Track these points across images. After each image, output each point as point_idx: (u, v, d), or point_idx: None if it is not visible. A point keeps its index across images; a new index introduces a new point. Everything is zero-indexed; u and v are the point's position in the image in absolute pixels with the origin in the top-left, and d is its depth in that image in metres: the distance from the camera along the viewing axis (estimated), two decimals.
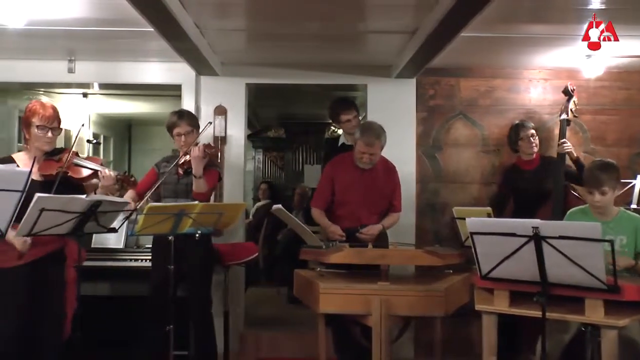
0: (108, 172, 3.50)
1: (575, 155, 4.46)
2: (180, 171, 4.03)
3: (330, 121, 9.53)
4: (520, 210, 4.30)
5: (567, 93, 4.58)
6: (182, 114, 4.14)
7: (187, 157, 3.97)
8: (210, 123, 4.52)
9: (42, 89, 6.46)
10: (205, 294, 4.11)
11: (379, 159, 4.20)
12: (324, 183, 4.31)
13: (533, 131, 4.51)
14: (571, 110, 4.55)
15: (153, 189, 3.92)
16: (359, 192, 4.18)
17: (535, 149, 4.51)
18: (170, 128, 4.11)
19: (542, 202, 4.33)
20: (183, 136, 4.05)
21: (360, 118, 5.00)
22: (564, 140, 4.43)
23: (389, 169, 4.33)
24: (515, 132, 4.58)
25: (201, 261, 4.02)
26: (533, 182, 4.45)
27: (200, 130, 4.18)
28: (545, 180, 4.42)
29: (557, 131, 4.65)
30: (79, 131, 3.80)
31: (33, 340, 3.34)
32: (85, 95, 7.09)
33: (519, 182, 4.52)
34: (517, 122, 4.67)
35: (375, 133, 4.07)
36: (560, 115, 4.57)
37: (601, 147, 5.05)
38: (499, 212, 4.35)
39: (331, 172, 4.31)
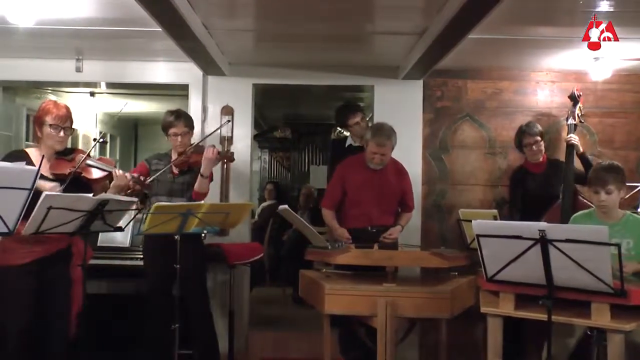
0: (122, 172, 3.53)
1: (581, 150, 4.47)
2: (176, 171, 4.04)
3: (338, 126, 9.65)
4: (528, 212, 4.31)
5: (573, 98, 4.60)
6: (179, 115, 4.11)
7: (191, 158, 3.99)
8: (229, 121, 4.66)
9: (49, 88, 6.48)
10: (201, 292, 4.13)
11: (389, 160, 4.24)
12: (334, 185, 4.36)
13: (538, 137, 4.48)
14: (578, 115, 4.56)
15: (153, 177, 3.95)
16: (371, 193, 4.23)
17: (539, 155, 4.52)
18: (165, 128, 4.10)
19: (550, 204, 4.33)
20: (179, 137, 4.05)
21: (367, 119, 5.02)
22: (570, 135, 4.46)
23: (399, 171, 4.38)
24: (519, 138, 4.59)
25: (194, 260, 4.01)
26: (541, 184, 4.47)
27: (216, 128, 4.27)
28: (553, 182, 4.43)
29: (564, 134, 4.65)
30: (99, 139, 3.96)
31: (40, 337, 3.36)
32: (92, 94, 7.11)
33: (527, 184, 4.53)
34: (523, 125, 4.63)
35: (386, 133, 4.13)
36: (567, 120, 4.59)
37: (609, 150, 5.03)
38: (508, 214, 4.37)
39: (342, 173, 4.34)
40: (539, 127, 4.57)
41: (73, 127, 3.54)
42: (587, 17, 3.59)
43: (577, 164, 4.49)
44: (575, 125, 4.54)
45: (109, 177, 3.53)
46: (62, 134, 3.42)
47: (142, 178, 3.66)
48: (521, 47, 4.44)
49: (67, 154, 3.51)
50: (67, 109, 3.49)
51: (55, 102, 3.51)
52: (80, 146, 7.53)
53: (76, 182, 3.39)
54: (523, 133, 4.55)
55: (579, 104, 4.57)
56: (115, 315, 4.49)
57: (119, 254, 4.52)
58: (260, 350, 5.03)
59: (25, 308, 3.29)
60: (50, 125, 3.39)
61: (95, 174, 3.51)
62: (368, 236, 4.12)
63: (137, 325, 4.32)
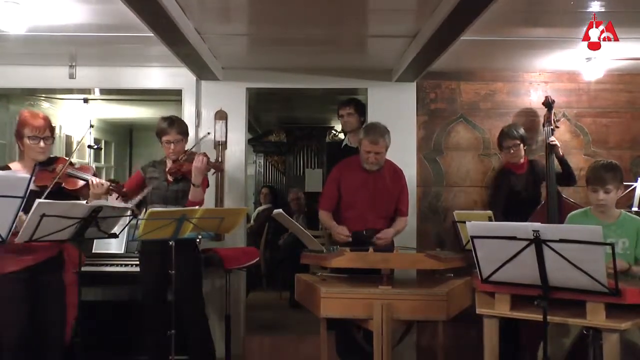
0: (98, 181, 3.48)
1: (561, 153, 4.51)
2: (170, 178, 4.03)
3: (332, 125, 9.69)
4: (512, 213, 4.32)
5: (547, 105, 4.66)
6: (173, 122, 4.08)
7: (183, 167, 3.99)
8: (209, 133, 4.68)
9: (43, 95, 6.47)
10: (197, 297, 4.12)
11: (385, 162, 4.23)
12: (330, 186, 4.32)
13: (517, 141, 4.50)
14: (553, 120, 4.62)
15: (142, 194, 3.93)
16: (366, 195, 4.19)
17: (517, 159, 4.55)
18: (159, 134, 4.09)
19: (533, 205, 4.36)
20: (172, 144, 4.04)
21: (362, 119, 5.04)
22: (551, 137, 4.50)
23: (395, 172, 4.35)
24: (500, 140, 4.62)
25: (190, 265, 4.00)
26: (523, 185, 4.53)
27: (199, 139, 4.20)
28: (534, 183, 4.52)
29: (558, 134, 4.69)
30: (82, 139, 3.86)
31: (34, 345, 3.35)
32: (86, 100, 7.09)
33: (511, 184, 4.56)
34: (505, 127, 4.64)
35: (379, 131, 4.10)
36: (544, 127, 4.64)
37: (603, 150, 5.05)
38: (496, 214, 4.40)
39: (338, 174, 4.31)
40: (521, 132, 4.56)
41: (54, 136, 3.49)
42: (579, 17, 3.62)
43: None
44: (553, 129, 4.59)
45: (88, 185, 3.48)
46: (42, 144, 3.36)
47: (120, 186, 3.63)
48: (514, 49, 4.45)
49: (49, 164, 3.46)
50: (45, 118, 3.43)
51: (32, 113, 3.45)
52: (74, 153, 7.52)
53: (59, 193, 3.34)
54: (503, 135, 4.58)
55: (553, 110, 4.63)
56: (111, 322, 4.49)
57: (114, 260, 4.50)
58: (257, 355, 5.02)
59: (18, 315, 3.27)
60: (29, 137, 3.34)
61: (78, 183, 3.47)
62: (362, 239, 4.09)
63: (133, 331, 4.31)
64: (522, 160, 4.57)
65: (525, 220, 3.71)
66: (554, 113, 4.63)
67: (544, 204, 4.36)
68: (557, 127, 4.67)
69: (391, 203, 4.30)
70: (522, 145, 4.52)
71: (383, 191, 4.24)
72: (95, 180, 3.47)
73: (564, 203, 4.32)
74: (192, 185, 3.95)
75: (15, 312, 3.27)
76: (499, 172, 4.77)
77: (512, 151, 4.52)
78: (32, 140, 3.35)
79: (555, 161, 4.49)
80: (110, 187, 3.53)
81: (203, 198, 4.05)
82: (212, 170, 4.11)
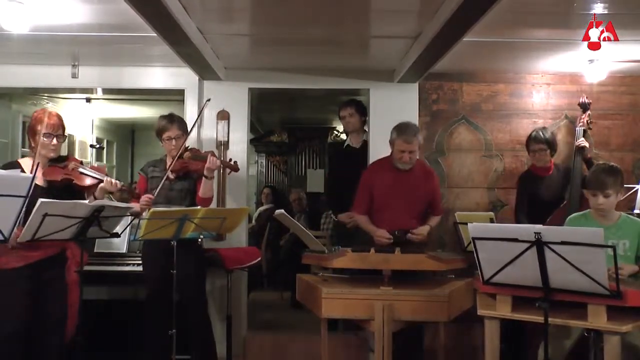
0: (112, 180, 3.56)
1: (588, 155, 4.54)
2: (172, 176, 4.04)
3: (334, 125, 9.70)
4: (535, 215, 4.31)
5: (583, 106, 4.72)
6: (173, 119, 4.14)
7: (191, 166, 4.01)
8: (210, 100, 4.60)
9: (45, 94, 6.47)
10: (200, 297, 4.13)
11: (417, 161, 4.22)
12: (362, 190, 4.29)
13: (542, 145, 4.47)
14: (586, 121, 4.67)
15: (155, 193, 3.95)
16: (399, 196, 4.18)
17: (541, 164, 4.52)
18: (160, 132, 4.12)
19: (556, 208, 4.34)
20: (173, 140, 4.07)
21: (363, 119, 5.05)
22: (580, 139, 4.56)
23: (427, 172, 4.37)
24: (527, 142, 4.62)
25: (194, 265, 4.02)
26: (547, 188, 4.50)
27: (202, 106, 4.39)
28: (560, 187, 4.48)
29: (560, 136, 4.69)
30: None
31: (34, 342, 3.37)
32: (88, 100, 7.10)
33: (534, 187, 4.54)
34: (533, 131, 4.60)
35: (412, 130, 4.13)
36: (576, 126, 4.70)
37: (605, 152, 5.04)
38: (520, 217, 4.45)
39: (369, 178, 4.30)
40: (548, 135, 4.52)
41: (65, 134, 3.60)
42: (581, 19, 3.62)
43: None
44: (585, 130, 4.62)
45: (100, 183, 3.56)
46: (54, 141, 3.49)
47: (131, 188, 3.69)
48: (516, 50, 4.45)
49: (60, 161, 3.57)
50: (59, 117, 3.56)
51: (47, 111, 3.57)
52: (76, 152, 7.54)
53: (68, 189, 3.44)
54: (530, 140, 4.57)
55: (588, 111, 4.68)
56: (112, 321, 4.49)
57: (115, 259, 4.51)
58: (258, 355, 5.02)
59: (19, 312, 3.30)
60: (44, 134, 3.45)
61: (87, 181, 3.55)
62: (395, 239, 4.07)
63: (134, 330, 4.31)
64: (547, 165, 4.53)
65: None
66: (589, 114, 4.67)
67: (565, 204, 4.34)
68: (589, 128, 4.70)
69: (423, 203, 4.29)
70: (548, 150, 4.47)
71: (415, 191, 4.22)
72: (109, 179, 3.56)
73: (585, 205, 4.30)
74: (204, 178, 3.97)
75: (15, 308, 3.29)
76: (523, 175, 4.72)
77: (536, 155, 4.51)
78: (45, 137, 3.46)
79: (584, 164, 4.51)
80: (122, 188, 3.61)
81: (212, 194, 4.07)
82: (228, 170, 4.15)
